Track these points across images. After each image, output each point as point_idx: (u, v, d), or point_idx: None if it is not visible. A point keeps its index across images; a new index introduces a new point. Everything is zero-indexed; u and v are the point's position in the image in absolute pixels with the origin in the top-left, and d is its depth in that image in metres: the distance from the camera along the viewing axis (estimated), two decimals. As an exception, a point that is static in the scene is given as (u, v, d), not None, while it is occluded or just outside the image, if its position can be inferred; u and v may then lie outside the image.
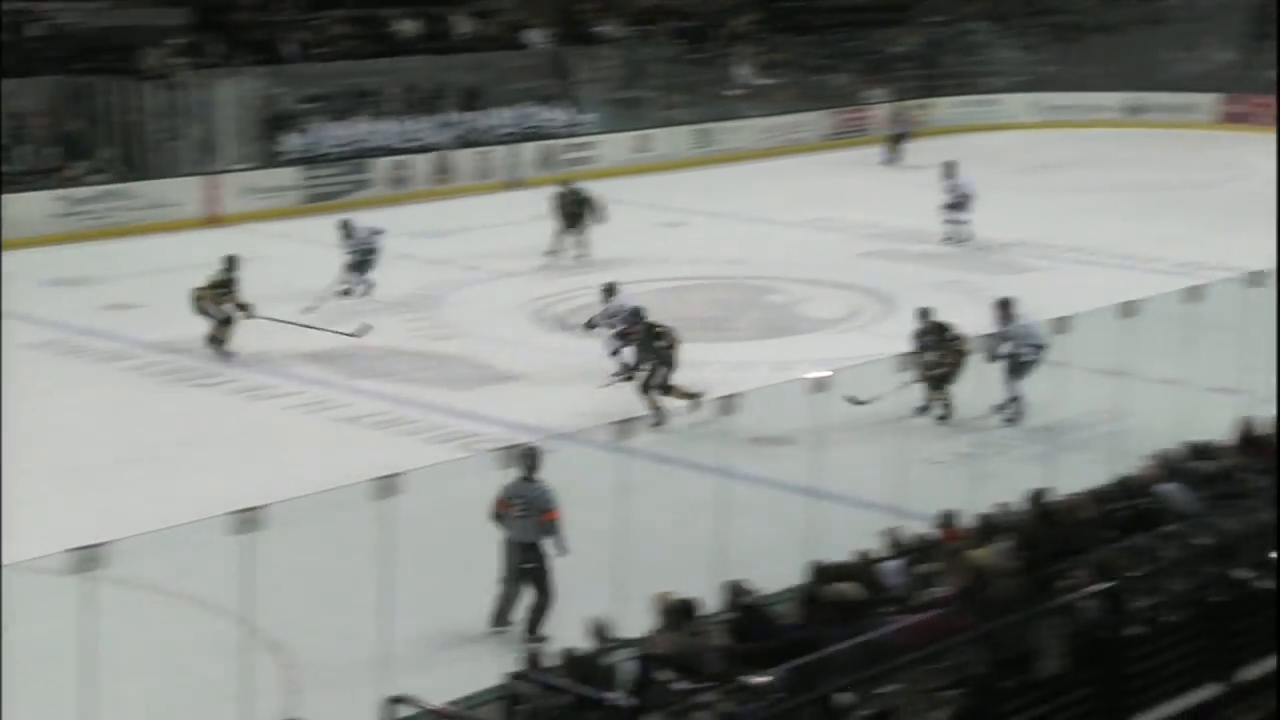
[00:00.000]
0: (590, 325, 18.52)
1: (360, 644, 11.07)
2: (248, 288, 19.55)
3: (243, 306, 19.06)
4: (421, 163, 30.68)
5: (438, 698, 8.81)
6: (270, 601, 10.03)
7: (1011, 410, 16.55)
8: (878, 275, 23.65)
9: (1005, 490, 11.68)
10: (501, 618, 11.69)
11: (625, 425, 11.22)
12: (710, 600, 9.83)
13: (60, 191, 26.24)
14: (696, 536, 11.88)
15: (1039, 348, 16.42)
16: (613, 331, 18.04)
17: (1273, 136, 32.56)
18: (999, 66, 40.44)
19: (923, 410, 16.55)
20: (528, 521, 11.53)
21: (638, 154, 33.71)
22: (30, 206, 25.62)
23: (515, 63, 34.14)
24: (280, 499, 11.09)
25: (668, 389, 16.80)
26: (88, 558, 8.55)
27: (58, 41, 28.93)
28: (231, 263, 19.24)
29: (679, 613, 9.38)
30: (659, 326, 17.08)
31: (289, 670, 11.03)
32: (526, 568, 11.57)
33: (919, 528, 11.34)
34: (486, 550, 11.84)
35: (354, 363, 18.96)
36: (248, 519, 9.03)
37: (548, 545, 11.64)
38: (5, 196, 25.47)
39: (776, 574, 10.47)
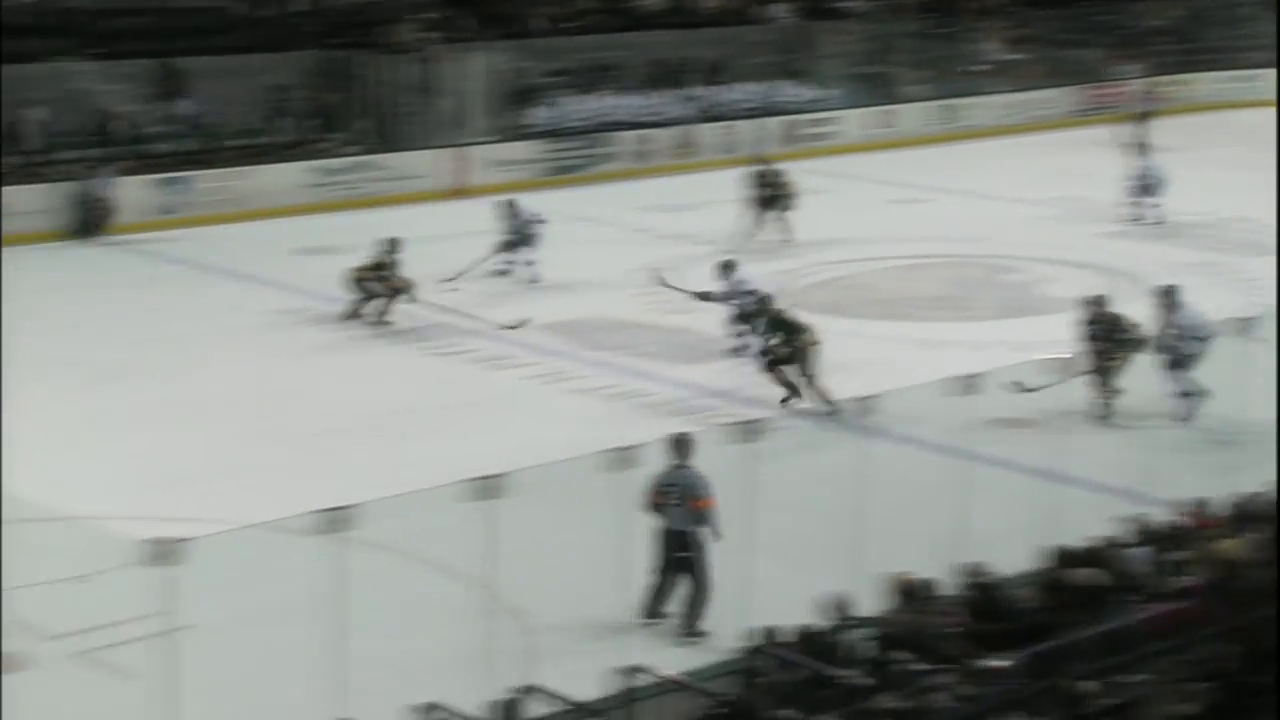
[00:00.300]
0: (705, 297, 18.38)
1: (597, 613, 11.22)
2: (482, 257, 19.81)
3: (399, 289, 19.25)
4: (663, 137, 30.80)
5: (672, 667, 8.86)
6: (510, 568, 10.20)
7: (1186, 405, 15.57)
8: (1121, 255, 23.03)
9: (1249, 481, 11.29)
10: (652, 610, 11.35)
11: (862, 403, 11.11)
12: (946, 582, 9.70)
13: (313, 162, 27.00)
14: (932, 517, 11.74)
15: (1203, 340, 15.57)
16: (735, 311, 17.95)
17: None
18: (1262, 40, 38.96)
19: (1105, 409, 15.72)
20: (681, 510, 11.23)
21: (879, 130, 33.34)
22: (284, 177, 26.42)
23: (759, 37, 34.01)
24: (520, 467, 11.27)
25: (809, 384, 16.34)
26: (336, 519, 8.78)
27: (316, 17, 29.75)
28: (393, 244, 19.51)
29: (914, 593, 9.28)
30: (793, 319, 16.57)
31: (528, 637, 11.19)
32: (681, 557, 11.25)
33: (1161, 514, 11.03)
34: (724, 523, 11.81)
35: (592, 335, 19.14)
36: (490, 486, 9.18)
37: (703, 534, 11.26)
38: (260, 166, 26.31)
39: (1013, 557, 10.29)
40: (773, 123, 31.93)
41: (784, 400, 16.26)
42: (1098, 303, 16.27)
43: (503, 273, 21.55)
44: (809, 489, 13.39)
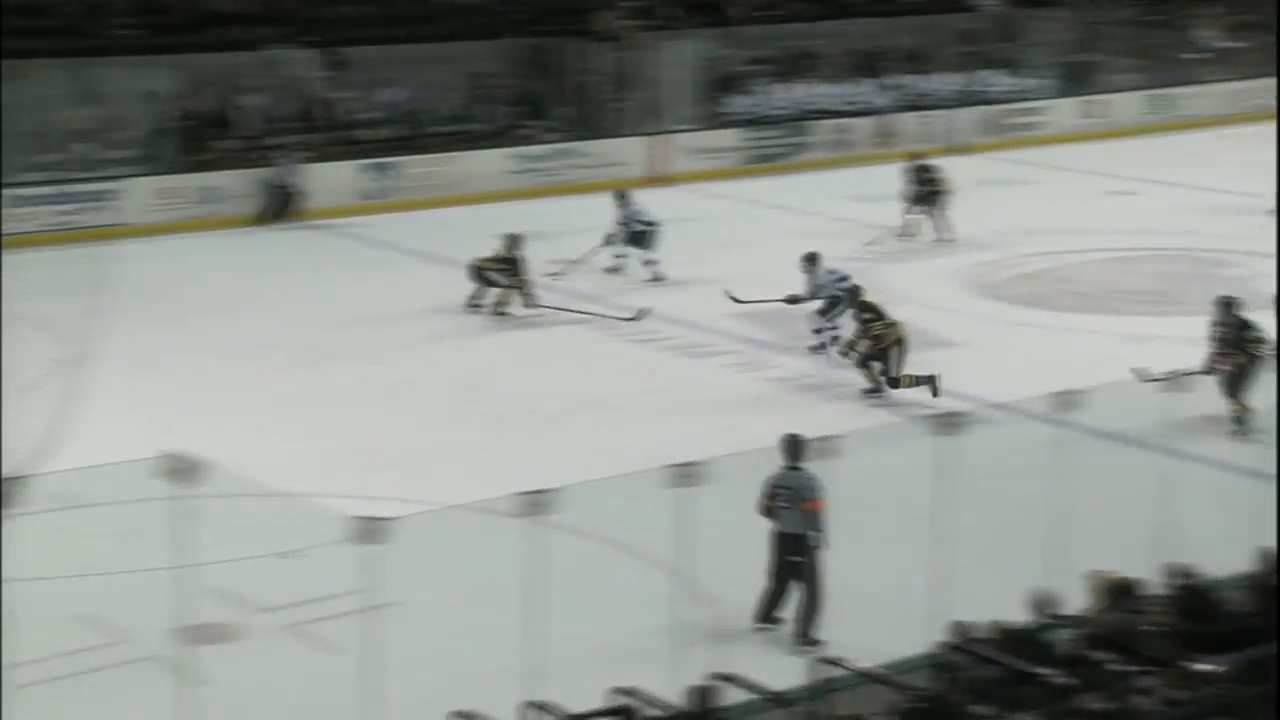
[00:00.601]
0: (793, 300, 18.13)
1: (790, 604, 11.20)
2: (680, 246, 19.85)
3: (518, 286, 19.27)
4: (862, 126, 30.58)
5: (868, 659, 8.82)
6: (707, 555, 10.24)
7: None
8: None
9: None
10: (766, 615, 11.14)
11: (1065, 397, 10.90)
12: (1153, 582, 9.50)
13: (516, 149, 27.35)
14: (1137, 515, 11.51)
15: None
16: (822, 305, 17.76)
17: None
18: None
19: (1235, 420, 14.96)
20: (792, 512, 10.98)
21: (1088, 120, 32.71)
22: (488, 163, 26.81)
23: (962, 25, 33.58)
24: (714, 455, 11.31)
25: (895, 380, 16.13)
26: (537, 502, 8.90)
27: (522, 5, 30.10)
28: (514, 241, 19.52)
29: (1119, 592, 9.10)
30: (882, 310, 16.41)
31: (719, 625, 11.23)
32: (793, 562, 11.00)
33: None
34: (920, 517, 11.73)
35: (789, 325, 19.08)
36: (686, 473, 9.21)
37: (814, 538, 10.99)
38: (465, 153, 26.73)
39: (1224, 559, 10.04)
40: (974, 112, 31.51)
41: (867, 391, 16.27)
42: (1229, 305, 15.62)
43: (613, 270, 21.28)
44: (1008, 483, 13.23)
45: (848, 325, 17.00)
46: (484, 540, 12.41)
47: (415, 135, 27.08)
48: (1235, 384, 15.04)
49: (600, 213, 23.31)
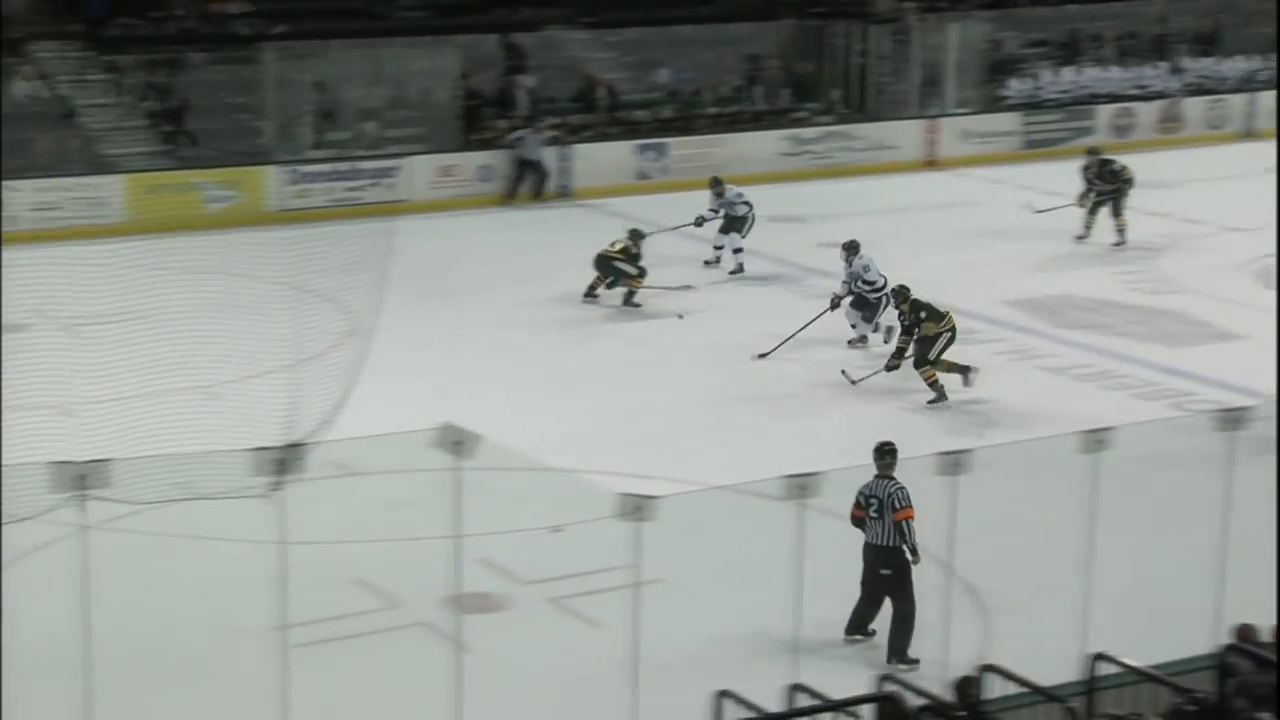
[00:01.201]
0: (835, 304, 17.40)
1: (1057, 597, 10.93)
2: (947, 232, 19.46)
3: (634, 276, 18.92)
4: (1147, 110, 29.67)
5: (1139, 657, 8.57)
6: (970, 544, 10.07)
7: None
8: None
9: None
10: (857, 626, 10.72)
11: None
12: None
13: (787, 131, 27.27)
14: None
15: None
16: (854, 298, 17.15)
17: None
18: None
19: None
20: (881, 523, 10.50)
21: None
22: (758, 145, 26.77)
23: (1259, 6, 32.26)
24: (986, 444, 11.13)
25: (929, 363, 15.59)
26: (801, 485, 8.86)
27: (797, -13, 30.02)
28: (636, 234, 19.21)
29: None
30: (933, 306, 15.75)
31: (984, 615, 11.04)
32: (883, 575, 10.52)
33: None
34: (1193, 513, 11.34)
35: (1063, 313, 18.66)
36: (955, 461, 9.08)
37: (905, 551, 10.48)
38: (735, 134, 26.74)
39: None
40: (1268, 96, 30.25)
41: (931, 401, 15.62)
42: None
43: (710, 263, 20.63)
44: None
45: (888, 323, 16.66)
46: (747, 522, 12.42)
47: (688, 116, 27.19)
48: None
49: (871, 196, 23.18)
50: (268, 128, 24.39)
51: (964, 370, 15.68)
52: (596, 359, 17.25)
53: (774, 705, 8.25)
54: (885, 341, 16.77)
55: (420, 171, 24.37)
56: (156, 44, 24.87)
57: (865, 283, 17.05)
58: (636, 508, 8.70)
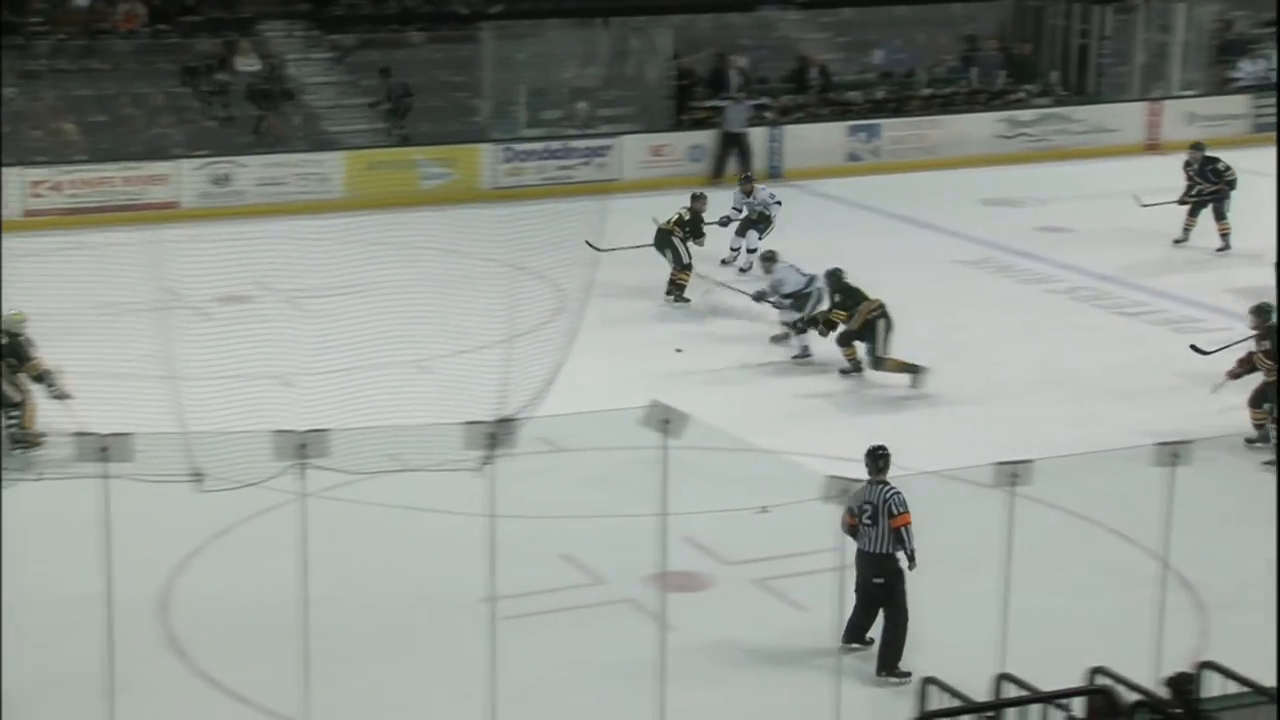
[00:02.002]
0: (759, 298, 16.81)
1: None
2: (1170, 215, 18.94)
3: (679, 266, 18.40)
4: (1387, 94, 28.53)
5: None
6: (1186, 538, 9.82)
7: None
8: None
9: None
10: (853, 634, 10.26)
11: None
12: None
13: (1003, 113, 26.81)
14: None
15: None
16: (785, 303, 16.42)
17: None
18: None
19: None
20: (875, 530, 10.03)
21: None
22: (974, 127, 26.38)
23: None
24: (1197, 438, 10.83)
25: (880, 361, 15.36)
26: (1010, 473, 8.74)
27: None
28: (696, 199, 18.80)
29: None
30: (856, 287, 15.50)
31: (1201, 612, 10.76)
32: (875, 583, 10.08)
33: None
34: None
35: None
36: (1172, 452, 8.86)
37: (901, 559, 10.09)
38: (950, 116, 26.38)
39: None
40: None
41: (843, 371, 15.66)
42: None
43: (727, 262, 19.66)
44: None
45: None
46: (955, 508, 12.28)
47: (901, 97, 26.89)
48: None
49: (1089, 180, 22.69)
50: (484, 106, 24.75)
51: (913, 370, 15.39)
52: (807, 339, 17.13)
53: (981, 695, 8.15)
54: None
55: (631, 151, 24.51)
56: (378, 23, 25.39)
57: (784, 296, 16.55)
58: (843, 490, 8.67)
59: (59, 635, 10.33)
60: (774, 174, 25.09)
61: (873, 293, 15.74)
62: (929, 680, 8.17)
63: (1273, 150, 25.36)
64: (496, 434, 8.81)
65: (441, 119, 24.37)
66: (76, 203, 21.52)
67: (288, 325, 16.49)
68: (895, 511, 9.94)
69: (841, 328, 15.72)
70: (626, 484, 11.93)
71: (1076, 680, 8.26)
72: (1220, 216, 20.41)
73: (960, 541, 11.27)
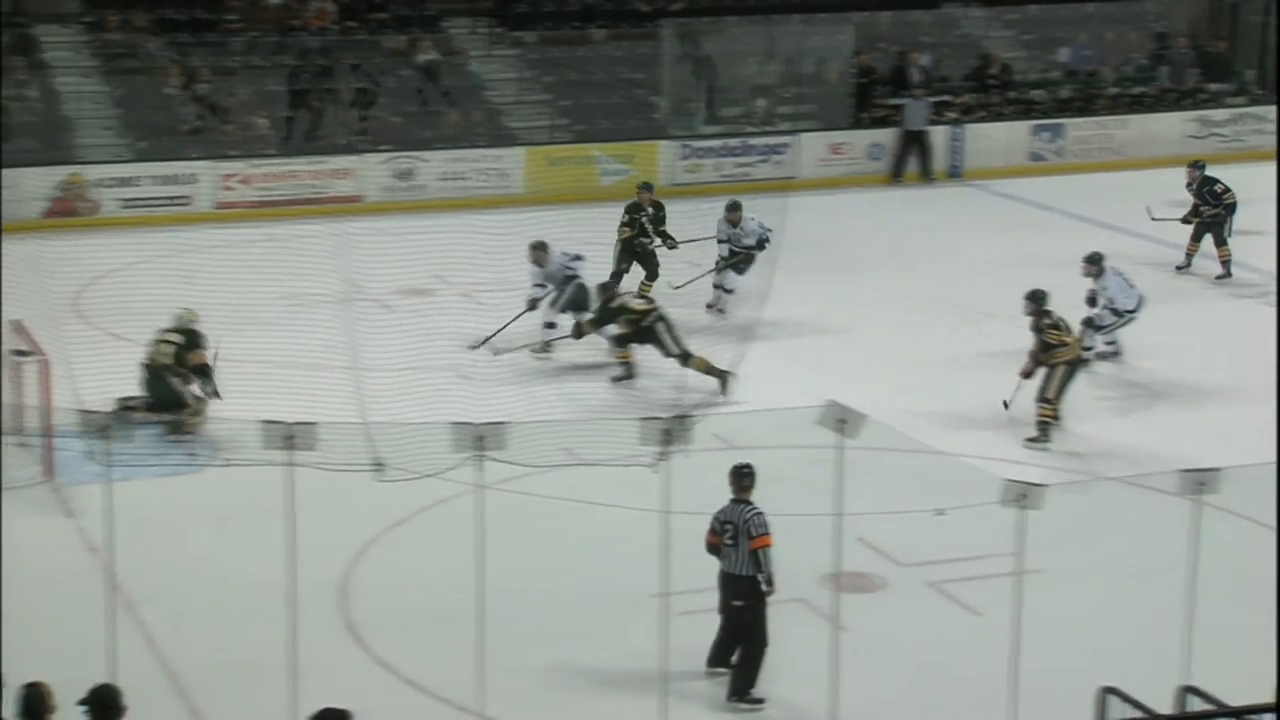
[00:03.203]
0: (532, 306, 16.25)
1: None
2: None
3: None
4: None
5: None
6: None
7: None
8: None
9: None
10: (714, 659, 10.01)
11: None
12: None
13: (1195, 113, 26.20)
14: None
15: None
16: (554, 297, 16.01)
17: None
18: None
19: None
20: (736, 551, 9.73)
21: None
22: (1164, 127, 25.81)
23: None
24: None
25: (686, 356, 14.88)
26: (1199, 480, 8.54)
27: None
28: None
29: None
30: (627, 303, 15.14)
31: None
32: (735, 606, 9.80)
33: None
34: None
35: None
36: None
37: (760, 581, 9.75)
38: (1139, 115, 25.83)
39: None
40: None
41: (616, 378, 15.27)
42: None
43: (710, 305, 17.62)
44: None
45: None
46: (1138, 516, 12.04)
47: (1087, 96, 26.39)
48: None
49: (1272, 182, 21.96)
50: (663, 103, 24.83)
51: (720, 374, 14.99)
52: (982, 341, 16.91)
53: (1163, 707, 7.97)
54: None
55: (810, 148, 24.41)
56: (560, 20, 25.62)
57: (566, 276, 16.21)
58: (1022, 494, 8.53)
59: (242, 619, 10.59)
60: (954, 173, 24.83)
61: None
62: (1109, 690, 8.00)
63: None
64: (672, 430, 8.84)
65: (621, 115, 24.50)
66: (265, 196, 22.04)
67: (466, 318, 16.71)
68: (754, 533, 9.66)
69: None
70: (800, 483, 11.87)
71: (1264, 696, 8.03)
72: (1220, 243, 19.21)
73: (1141, 549, 11.04)
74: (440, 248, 17.26)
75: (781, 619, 10.72)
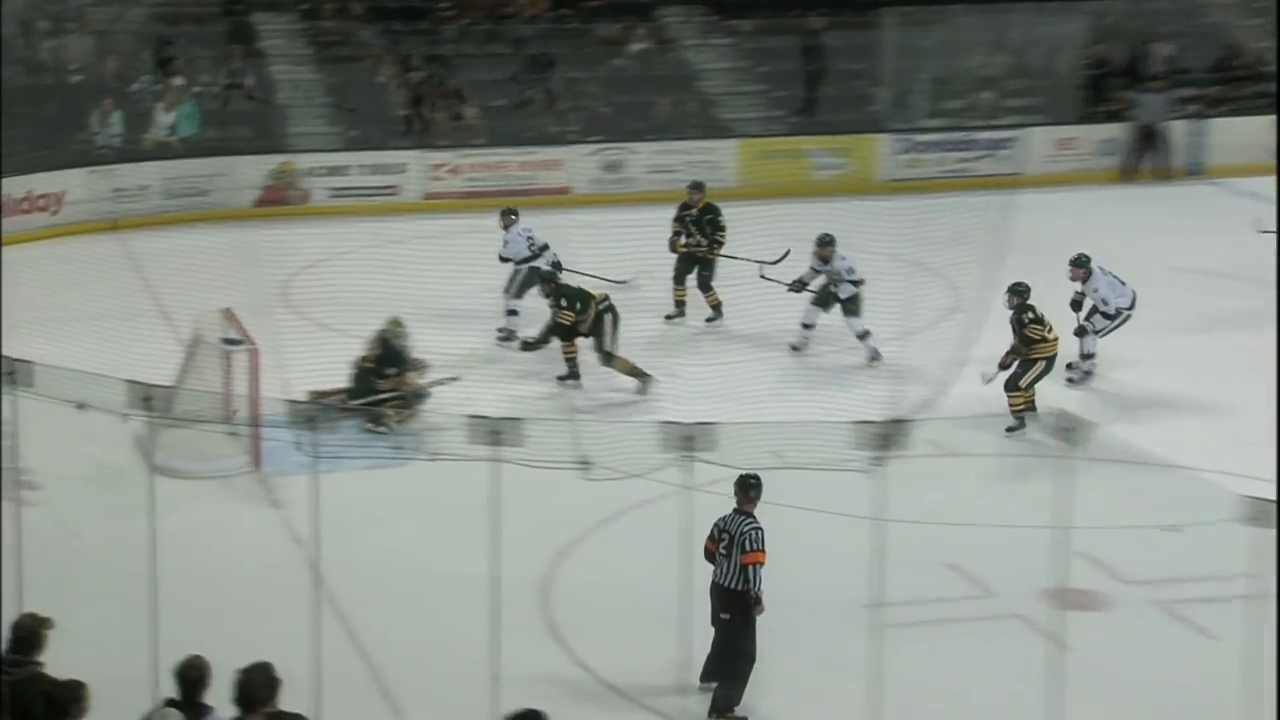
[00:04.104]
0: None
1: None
2: None
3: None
4: None
5: None
6: None
7: None
8: None
9: None
10: (706, 673, 9.91)
11: None
12: None
13: None
14: None
15: None
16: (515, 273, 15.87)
17: None
18: None
19: None
20: (729, 563, 9.69)
21: None
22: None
23: None
24: None
25: (610, 359, 14.74)
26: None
27: None
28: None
29: None
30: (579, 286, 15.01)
31: None
32: (724, 619, 9.74)
33: None
34: None
35: None
36: None
37: (749, 596, 9.65)
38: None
39: None
40: None
41: (562, 378, 15.05)
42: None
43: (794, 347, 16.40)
44: None
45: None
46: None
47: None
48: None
49: None
50: (883, 95, 24.64)
51: (642, 377, 14.78)
52: (1218, 351, 16.46)
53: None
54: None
55: (1038, 143, 24.02)
56: (777, 9, 25.57)
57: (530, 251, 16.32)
58: (1261, 512, 8.31)
59: (443, 615, 10.80)
60: (1193, 171, 24.23)
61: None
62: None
63: None
64: (888, 434, 8.78)
65: (838, 108, 24.38)
66: (474, 186, 22.43)
67: (674, 315, 16.80)
68: (748, 548, 9.65)
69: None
70: (1020, 493, 11.72)
71: None
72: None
73: None
74: (649, 242, 17.37)
75: (997, 635, 10.61)
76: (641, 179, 22.92)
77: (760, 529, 9.78)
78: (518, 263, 16.56)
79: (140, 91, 22.29)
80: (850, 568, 9.52)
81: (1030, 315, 14.39)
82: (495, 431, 8.49)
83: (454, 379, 14.20)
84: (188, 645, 7.66)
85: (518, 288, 16.55)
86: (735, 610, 9.79)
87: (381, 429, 14.01)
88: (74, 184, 20.79)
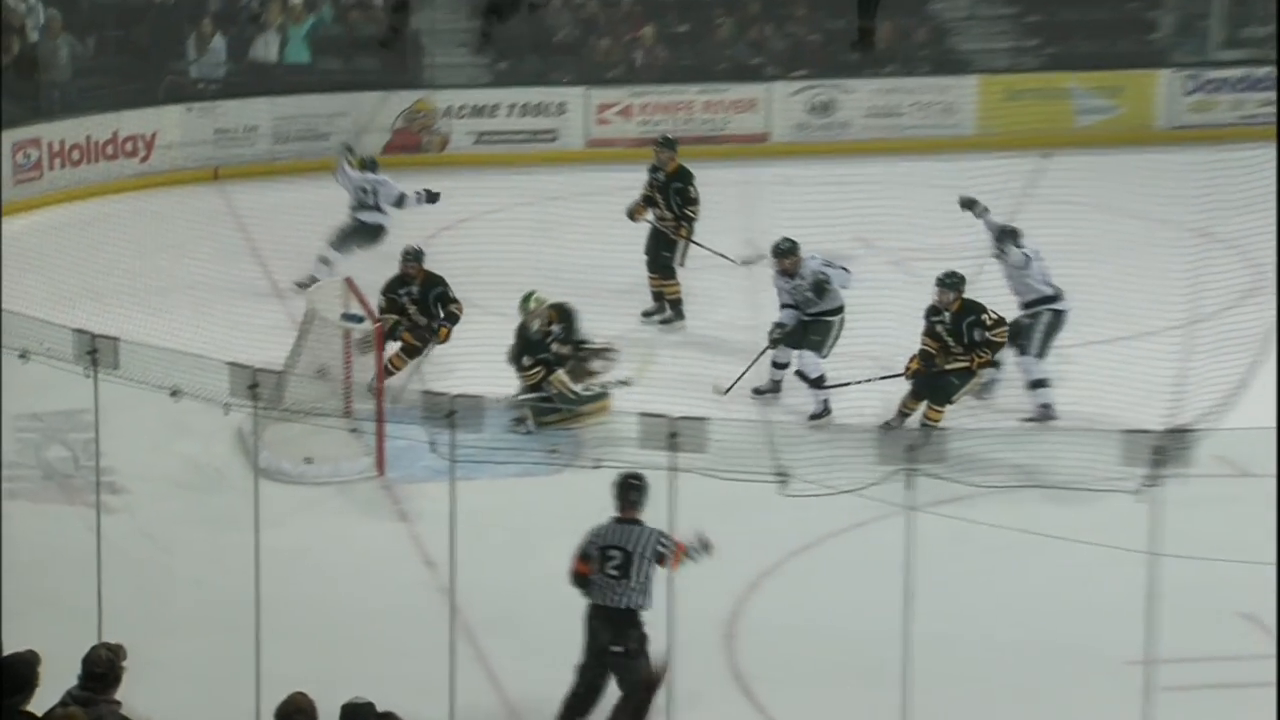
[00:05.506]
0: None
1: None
2: None
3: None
4: None
5: None
6: None
7: None
8: None
9: None
10: (573, 714, 9.98)
11: None
12: None
13: None
14: None
15: None
16: None
17: None
18: None
19: None
20: (625, 583, 9.74)
21: None
22: None
23: None
24: None
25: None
26: None
27: None
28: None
29: None
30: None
31: None
32: (615, 652, 9.79)
33: None
34: None
35: None
36: None
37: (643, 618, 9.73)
38: None
39: None
40: None
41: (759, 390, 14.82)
42: None
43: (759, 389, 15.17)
44: None
45: None
46: None
47: None
48: None
49: None
50: (1165, 19, 24.29)
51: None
52: None
53: None
54: None
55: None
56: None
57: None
58: None
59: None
60: None
61: None
62: None
63: None
64: (1165, 448, 8.68)
65: (1107, 36, 24.06)
66: (649, 132, 22.44)
67: (897, 295, 16.73)
68: (668, 557, 9.79)
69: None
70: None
71: None
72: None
73: None
74: (868, 202, 17.30)
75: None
76: (856, 124, 22.84)
77: (663, 532, 9.79)
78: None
79: (246, 8, 22.58)
80: (1116, 614, 9.44)
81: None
82: (673, 434, 8.52)
83: (626, 382, 14.27)
84: (294, 682, 7.80)
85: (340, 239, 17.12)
86: (628, 638, 9.91)
87: (529, 429, 14.12)
88: (167, 124, 21.22)
